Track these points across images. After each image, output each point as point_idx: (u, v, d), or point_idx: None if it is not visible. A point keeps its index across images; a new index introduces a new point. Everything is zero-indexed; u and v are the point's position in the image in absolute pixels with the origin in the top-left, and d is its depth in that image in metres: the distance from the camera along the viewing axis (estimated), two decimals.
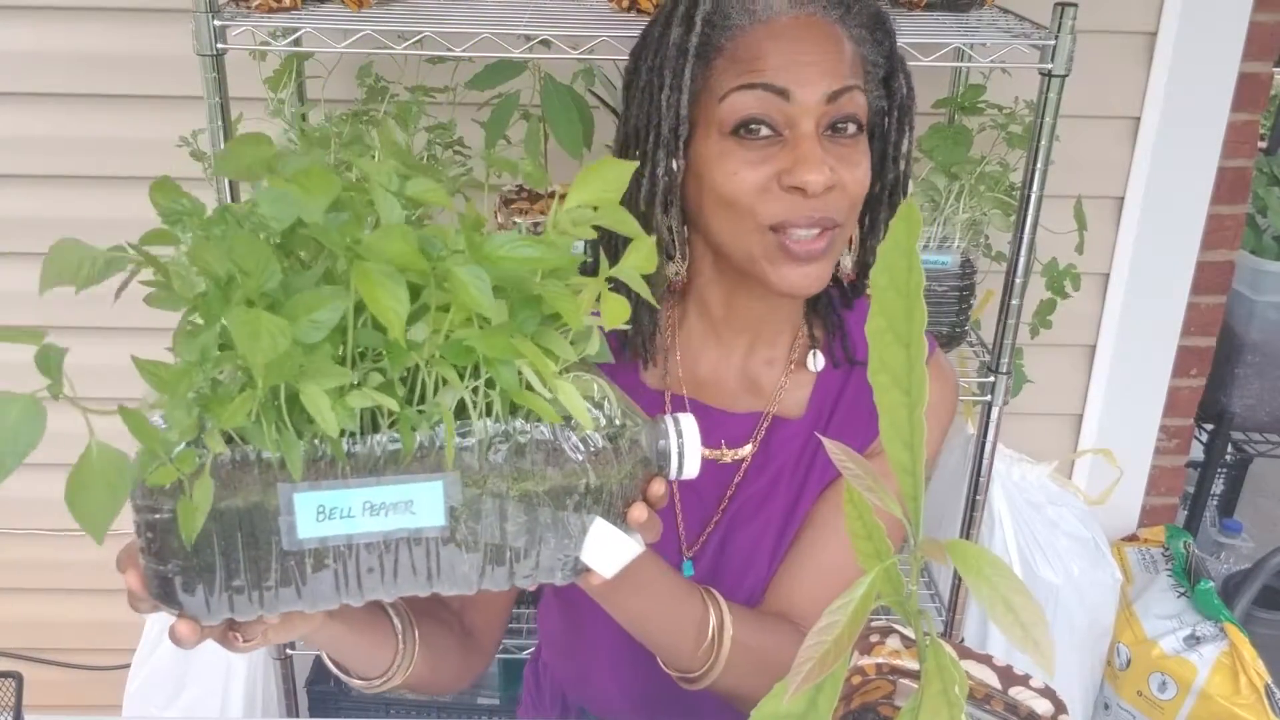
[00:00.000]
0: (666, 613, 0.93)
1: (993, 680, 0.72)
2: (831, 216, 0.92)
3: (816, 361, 1.07)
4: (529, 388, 0.68)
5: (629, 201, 0.97)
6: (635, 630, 0.95)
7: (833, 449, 0.59)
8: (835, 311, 1.08)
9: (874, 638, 0.74)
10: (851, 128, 0.93)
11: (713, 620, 0.95)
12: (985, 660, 0.74)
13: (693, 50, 0.92)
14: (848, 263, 1.04)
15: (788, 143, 0.91)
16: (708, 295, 1.04)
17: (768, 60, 0.91)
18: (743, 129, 0.92)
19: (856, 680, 0.73)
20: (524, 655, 1.67)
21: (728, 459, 1.05)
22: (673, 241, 0.99)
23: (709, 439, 1.03)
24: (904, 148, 1.00)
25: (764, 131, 0.91)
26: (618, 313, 0.71)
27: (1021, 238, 1.39)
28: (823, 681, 0.56)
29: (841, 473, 0.69)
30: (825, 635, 0.54)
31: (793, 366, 1.07)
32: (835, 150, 0.92)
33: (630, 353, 1.03)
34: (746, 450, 1.05)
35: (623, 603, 0.92)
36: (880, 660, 0.73)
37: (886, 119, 0.99)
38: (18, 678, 1.21)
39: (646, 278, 0.85)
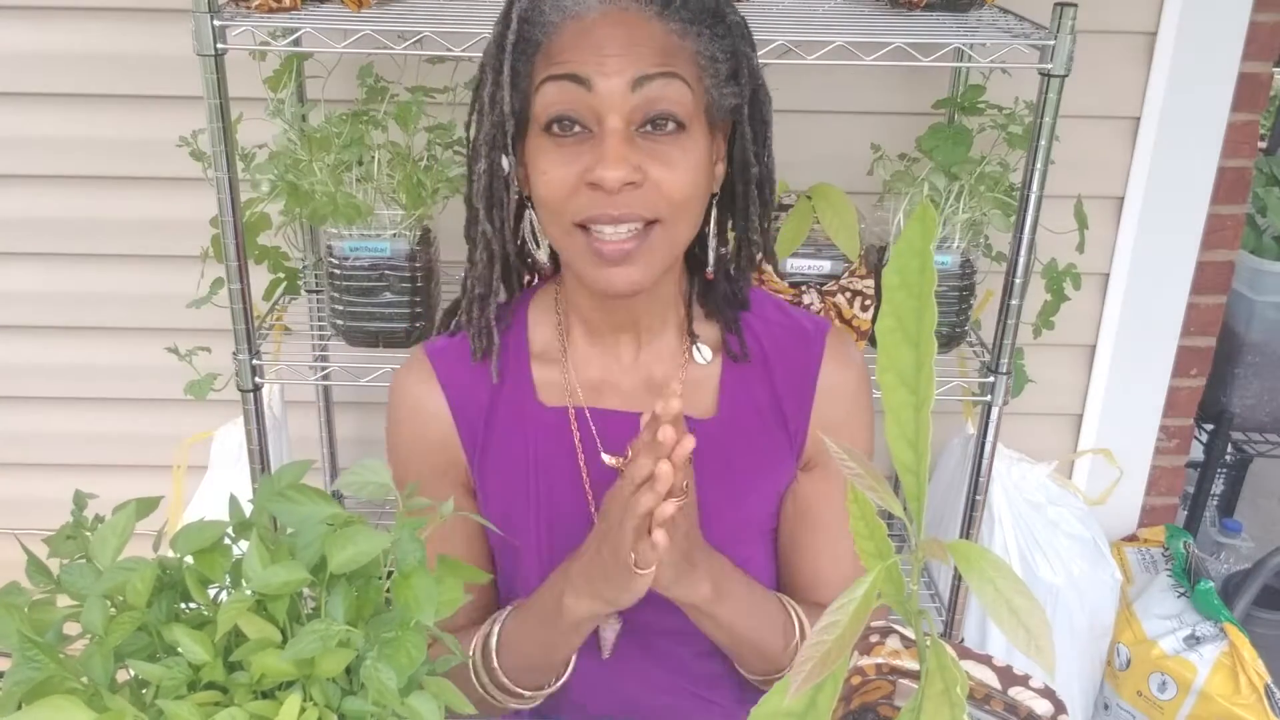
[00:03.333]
0: (761, 620, 1.00)
1: (992, 680, 0.72)
2: (637, 213, 0.91)
3: (702, 354, 1.06)
4: None
5: (466, 198, 1.00)
6: (733, 641, 1.01)
7: (835, 449, 0.59)
8: (726, 306, 1.06)
9: (874, 638, 0.74)
10: (670, 125, 0.91)
11: (793, 617, 1.02)
12: (985, 660, 0.74)
13: (509, 46, 0.91)
14: (709, 257, 1.03)
15: (596, 139, 0.90)
16: (576, 298, 1.04)
17: (573, 52, 0.90)
18: (555, 125, 0.91)
19: (856, 680, 0.73)
20: None
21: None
22: (504, 237, 0.99)
23: (614, 445, 1.03)
24: (759, 144, 0.99)
25: (576, 129, 0.91)
26: None
27: (1021, 238, 1.39)
28: (823, 681, 0.56)
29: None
30: (826, 635, 0.54)
31: (686, 359, 1.06)
32: (649, 148, 0.90)
33: (475, 351, 1.03)
34: None
35: (726, 618, 0.98)
36: (880, 660, 0.73)
37: (740, 116, 0.97)
38: None
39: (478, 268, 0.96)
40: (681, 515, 0.89)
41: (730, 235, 1.05)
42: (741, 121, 0.97)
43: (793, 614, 1.04)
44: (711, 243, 1.02)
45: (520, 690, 1.01)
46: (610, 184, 0.88)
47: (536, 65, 0.93)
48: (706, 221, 1.01)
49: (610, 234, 0.91)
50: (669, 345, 1.06)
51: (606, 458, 1.02)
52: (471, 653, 1.01)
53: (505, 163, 0.96)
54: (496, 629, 1.02)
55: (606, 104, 0.89)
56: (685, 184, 0.92)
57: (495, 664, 1.00)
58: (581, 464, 1.04)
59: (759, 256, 1.05)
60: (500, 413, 1.05)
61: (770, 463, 1.07)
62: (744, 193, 1.00)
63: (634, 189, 0.90)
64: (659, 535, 0.85)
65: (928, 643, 0.56)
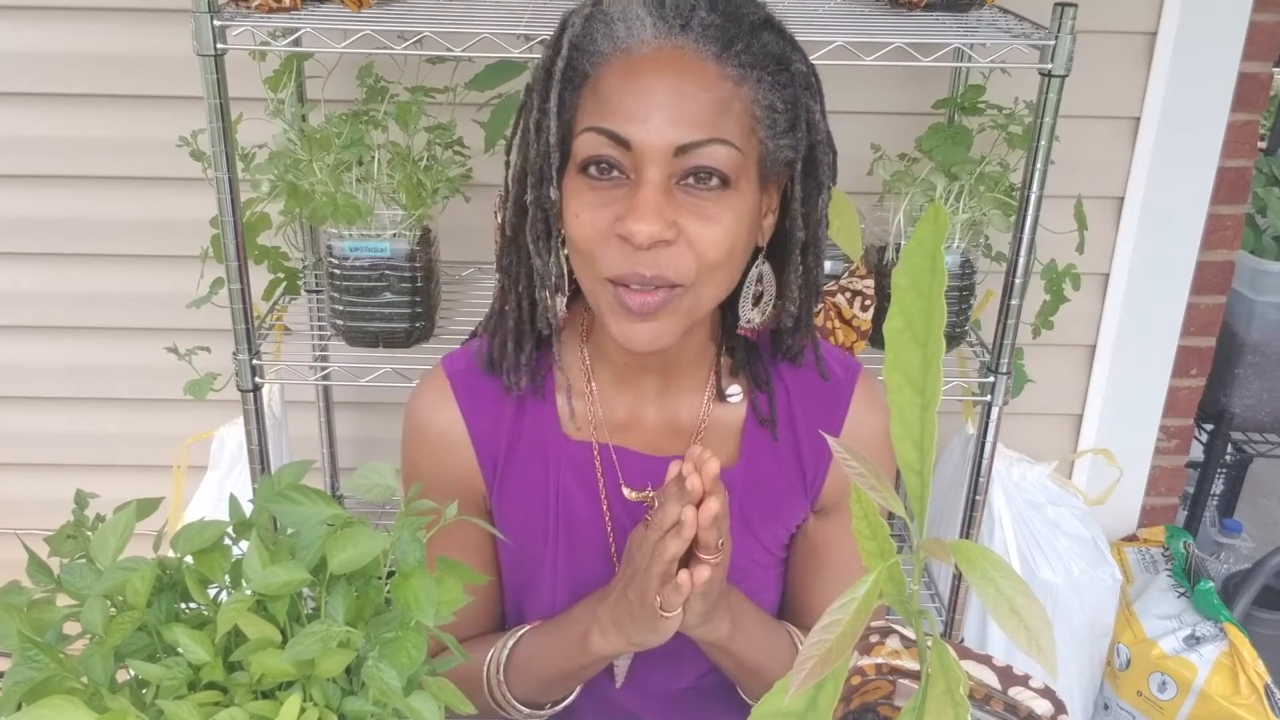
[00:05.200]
0: (771, 651, 0.99)
1: (992, 680, 0.72)
2: (665, 276, 0.85)
3: (732, 396, 1.02)
4: None
5: (510, 231, 0.94)
6: (742, 672, 1.01)
7: (836, 446, 0.59)
8: (763, 365, 1.02)
9: (874, 638, 0.74)
10: (714, 180, 0.85)
11: (796, 642, 1.02)
12: (985, 660, 0.74)
13: (558, 75, 0.85)
14: (755, 316, 0.97)
15: (632, 186, 0.85)
16: (604, 339, 1.00)
17: (618, 102, 0.83)
18: (591, 166, 0.86)
19: (856, 680, 0.73)
20: None
21: (652, 501, 1.00)
22: (551, 273, 0.93)
23: (635, 482, 1.02)
24: (809, 206, 0.92)
25: (614, 172, 0.85)
26: None
27: (1021, 238, 1.39)
28: (824, 680, 0.56)
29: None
30: (827, 634, 0.54)
31: (711, 405, 1.02)
32: (688, 201, 0.85)
33: (509, 387, 0.99)
34: None
35: (740, 652, 0.98)
36: (880, 660, 0.73)
37: (793, 172, 0.91)
38: None
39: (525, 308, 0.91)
40: (716, 569, 0.88)
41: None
42: (794, 179, 0.91)
43: (798, 644, 1.05)
44: (745, 300, 0.96)
45: (521, 708, 1.02)
46: (640, 239, 0.83)
47: (583, 100, 0.87)
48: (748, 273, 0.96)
49: (638, 288, 0.87)
50: (696, 389, 1.03)
51: (628, 492, 1.02)
52: (486, 665, 1.02)
53: (553, 193, 0.89)
54: (510, 645, 1.02)
55: (646, 159, 0.84)
56: (722, 243, 0.86)
57: (503, 678, 1.01)
58: (603, 498, 1.03)
59: (796, 323, 0.99)
60: (522, 440, 1.03)
61: (784, 508, 1.06)
62: (786, 255, 0.94)
63: (665, 246, 0.85)
64: (684, 578, 0.85)
65: (929, 643, 0.56)
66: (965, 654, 0.74)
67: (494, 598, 1.11)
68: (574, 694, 1.04)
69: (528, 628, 1.04)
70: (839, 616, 0.54)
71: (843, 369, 1.05)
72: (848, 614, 0.54)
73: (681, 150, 0.83)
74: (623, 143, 0.84)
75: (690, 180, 0.85)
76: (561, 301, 0.95)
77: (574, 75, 0.86)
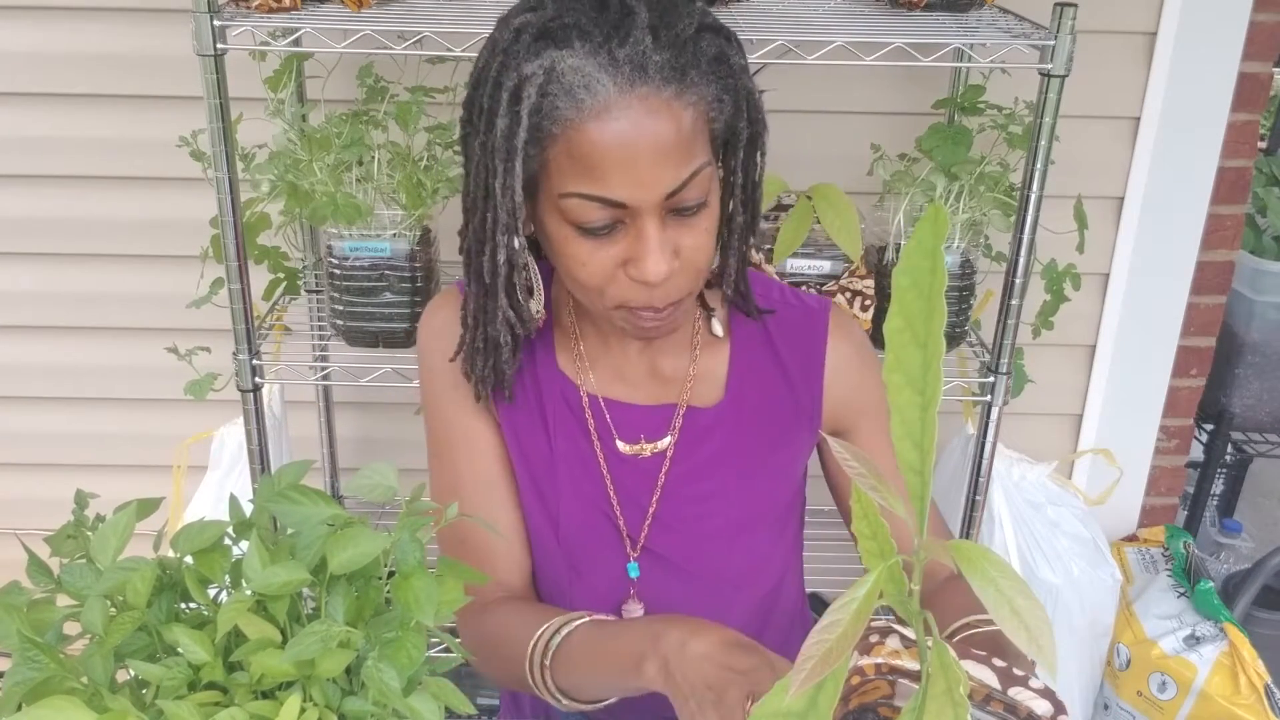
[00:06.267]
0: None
1: (992, 681, 0.72)
2: (674, 297, 0.93)
3: (715, 329, 1.08)
4: None
5: (470, 260, 0.97)
6: (600, 695, 0.97)
7: (838, 448, 0.59)
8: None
9: (874, 638, 0.74)
10: (697, 205, 0.90)
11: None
12: (984, 660, 0.74)
13: (520, 146, 0.86)
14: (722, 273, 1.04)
15: (629, 229, 0.89)
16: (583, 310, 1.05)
17: (601, 168, 0.85)
18: (585, 225, 0.89)
19: (855, 680, 0.73)
20: None
21: (648, 452, 1.06)
22: (528, 316, 0.99)
23: (628, 435, 1.07)
24: (751, 170, 0.97)
25: (608, 226, 0.89)
26: None
27: (1021, 238, 1.39)
28: (824, 680, 0.56)
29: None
30: (827, 634, 0.53)
31: (697, 351, 1.07)
32: (678, 224, 0.90)
33: (481, 397, 1.04)
34: (666, 442, 1.06)
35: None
36: (880, 660, 0.73)
37: (738, 142, 0.95)
38: None
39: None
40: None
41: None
42: (741, 147, 0.95)
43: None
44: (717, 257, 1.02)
45: (560, 697, 1.00)
46: (658, 278, 0.89)
47: (554, 159, 0.87)
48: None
49: (653, 315, 0.93)
50: (682, 341, 1.07)
51: (621, 445, 1.06)
52: (532, 644, 0.99)
53: (517, 244, 0.93)
54: (564, 634, 0.99)
55: (641, 210, 0.88)
56: (709, 246, 0.93)
57: (549, 664, 0.98)
58: (598, 450, 1.07)
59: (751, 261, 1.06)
60: (523, 367, 1.07)
61: (781, 438, 1.08)
62: (733, 217, 1.00)
63: (671, 277, 0.91)
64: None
65: (929, 643, 0.56)
66: (965, 654, 0.74)
67: (525, 536, 1.10)
68: (614, 699, 1.01)
69: (584, 619, 0.99)
70: (839, 616, 0.54)
71: (816, 302, 1.11)
72: (848, 614, 0.54)
73: (671, 194, 0.87)
74: (617, 205, 0.87)
75: (681, 207, 0.89)
76: (537, 302, 1.00)
77: (538, 135, 0.87)
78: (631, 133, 0.84)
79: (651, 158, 0.85)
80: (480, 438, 1.09)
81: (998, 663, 0.73)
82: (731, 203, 0.99)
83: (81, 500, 0.73)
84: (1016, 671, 0.72)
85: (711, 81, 0.88)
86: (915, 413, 0.55)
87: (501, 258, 0.93)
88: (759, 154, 0.96)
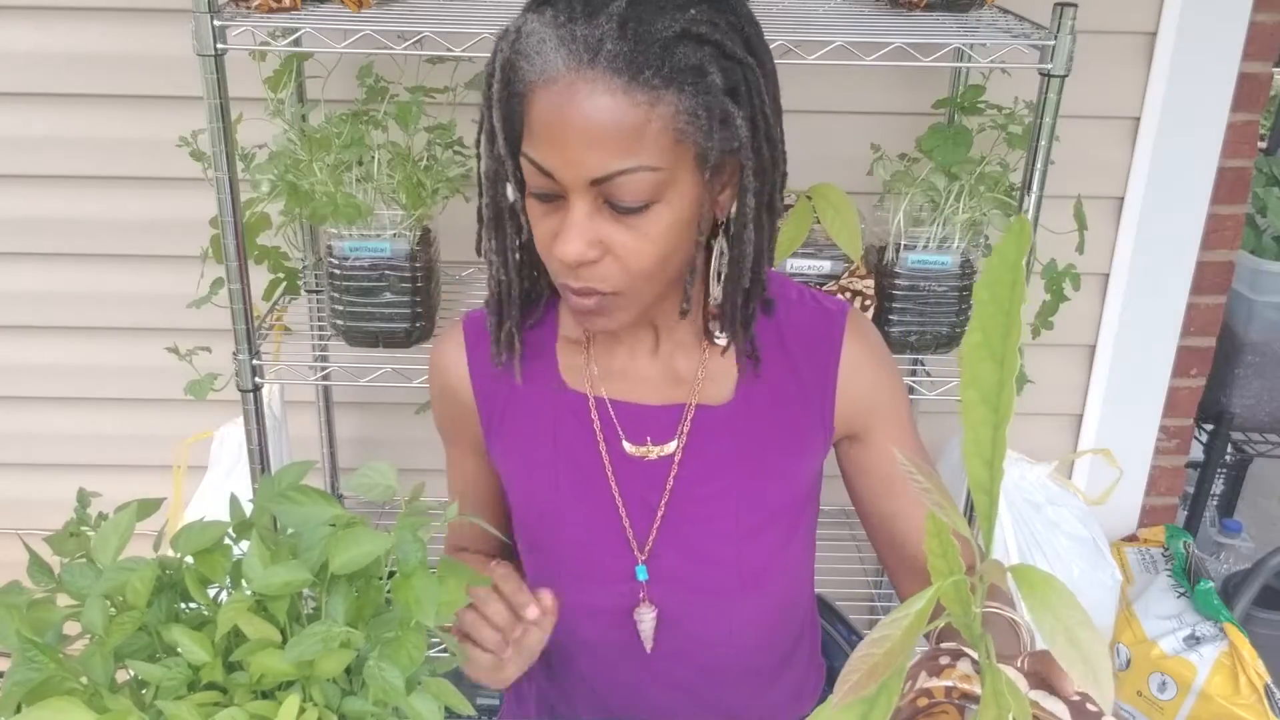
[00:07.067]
0: None
1: (1063, 714, 0.68)
2: (594, 288, 0.91)
3: (722, 340, 1.05)
4: None
5: (483, 221, 1.00)
6: None
7: (905, 464, 0.58)
8: (736, 316, 1.03)
9: (944, 659, 0.71)
10: (637, 202, 0.88)
11: None
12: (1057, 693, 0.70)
13: (496, 97, 0.89)
14: (717, 291, 1.00)
15: (565, 204, 0.89)
16: None
17: (542, 133, 0.87)
18: (533, 188, 0.91)
19: (923, 702, 0.70)
20: None
21: (654, 455, 1.05)
22: (510, 262, 0.99)
23: (635, 436, 1.06)
24: (762, 186, 0.94)
25: (551, 195, 0.90)
26: None
27: None
28: (877, 697, 0.55)
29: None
30: (875, 648, 0.52)
31: (707, 352, 1.06)
32: (614, 218, 0.88)
33: (495, 360, 1.04)
34: (672, 446, 1.05)
35: None
36: (949, 683, 0.70)
37: (729, 173, 0.92)
38: None
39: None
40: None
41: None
42: (744, 164, 0.92)
43: None
44: (713, 277, 0.99)
45: None
46: (568, 260, 0.89)
47: (526, 116, 0.90)
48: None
49: (579, 300, 0.93)
50: (692, 339, 1.06)
51: (628, 446, 1.05)
52: None
53: (510, 192, 0.95)
54: None
55: (568, 188, 0.88)
56: (650, 254, 0.90)
57: None
58: (603, 452, 1.06)
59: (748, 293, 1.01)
60: (524, 390, 1.08)
61: (792, 440, 1.07)
62: (739, 230, 0.96)
63: (591, 264, 0.90)
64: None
65: (988, 664, 0.55)
66: (1038, 682, 0.70)
67: (497, 523, 1.17)
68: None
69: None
70: (889, 632, 0.53)
71: (833, 304, 1.10)
72: (899, 629, 0.53)
73: (596, 182, 0.86)
74: (547, 173, 0.88)
75: (614, 202, 0.88)
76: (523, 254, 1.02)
77: (511, 95, 0.89)
78: (568, 109, 0.85)
79: (581, 139, 0.85)
80: (466, 465, 1.16)
81: (1073, 696, 0.70)
82: (721, 234, 0.96)
83: (84, 499, 0.73)
84: (1090, 707, 0.68)
85: (684, 92, 0.86)
86: (988, 431, 0.54)
87: (486, 201, 0.96)
88: (749, 195, 0.92)
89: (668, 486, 1.06)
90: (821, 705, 0.57)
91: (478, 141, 0.97)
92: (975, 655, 0.71)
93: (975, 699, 0.70)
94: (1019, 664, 0.71)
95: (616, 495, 1.06)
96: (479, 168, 0.97)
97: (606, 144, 0.85)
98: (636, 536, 1.07)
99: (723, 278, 0.99)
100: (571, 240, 0.88)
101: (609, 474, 1.06)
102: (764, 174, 0.94)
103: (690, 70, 0.86)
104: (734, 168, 0.94)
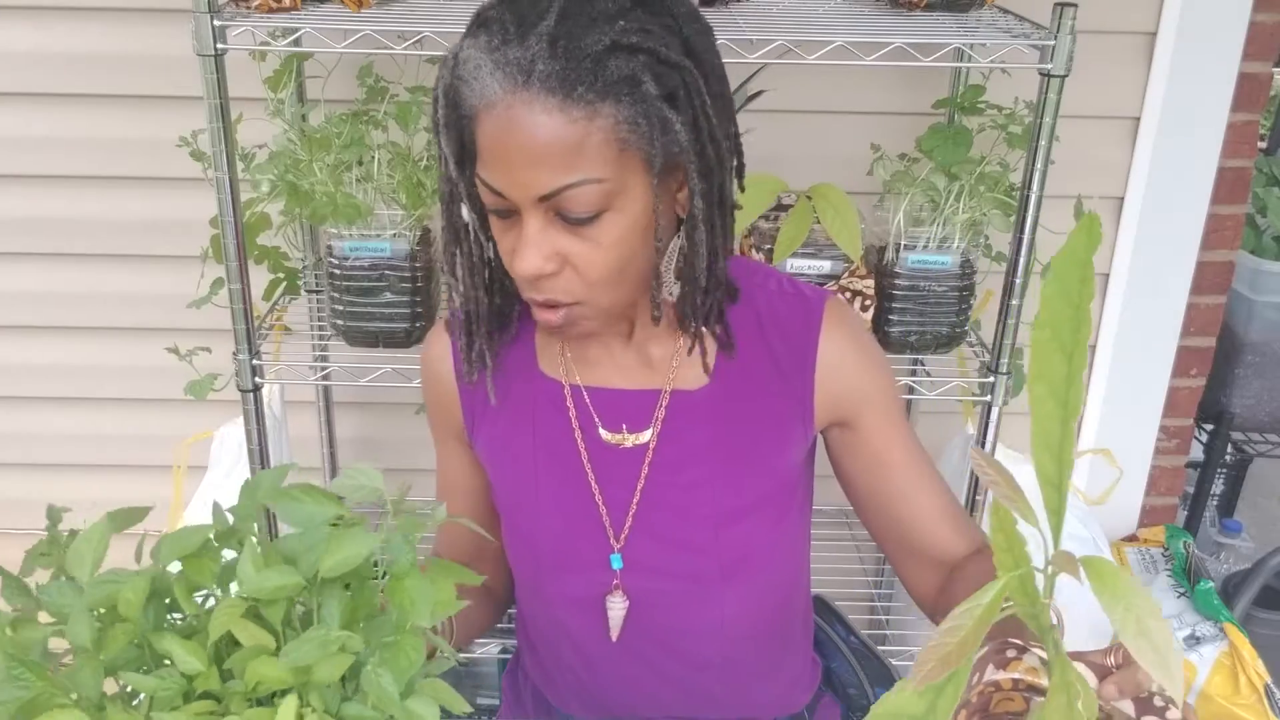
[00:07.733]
0: None
1: (1128, 709, 0.69)
2: (556, 299, 0.93)
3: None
4: None
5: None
6: None
7: (975, 457, 0.59)
8: (703, 311, 1.03)
9: (1010, 653, 0.71)
10: (586, 213, 0.89)
11: None
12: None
13: (442, 122, 0.91)
14: (675, 288, 1.00)
15: (520, 220, 0.91)
16: None
17: (489, 154, 0.89)
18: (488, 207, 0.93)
19: (994, 695, 0.71)
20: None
21: (629, 443, 1.06)
22: (481, 280, 1.01)
23: (609, 423, 1.07)
24: (699, 202, 0.94)
25: (507, 212, 0.92)
26: None
27: (1021, 238, 1.39)
28: (944, 685, 0.55)
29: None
30: (949, 637, 0.53)
31: (681, 338, 1.06)
32: (567, 230, 0.90)
33: (466, 377, 1.06)
34: (647, 435, 1.06)
35: None
36: (1017, 676, 0.70)
37: (687, 159, 0.92)
38: None
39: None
40: None
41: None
42: (690, 165, 0.92)
43: None
44: (668, 274, 0.99)
45: None
46: (521, 274, 0.91)
47: (475, 137, 0.91)
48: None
49: (542, 311, 0.95)
50: (667, 327, 1.06)
51: (604, 434, 1.06)
52: None
53: (465, 213, 0.97)
54: None
55: (520, 205, 0.90)
56: (606, 262, 0.92)
57: None
58: (579, 439, 1.07)
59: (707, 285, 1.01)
60: (505, 378, 1.09)
61: (769, 427, 1.07)
62: (691, 227, 0.96)
63: (550, 276, 0.92)
64: None
65: (1055, 655, 0.55)
66: (1106, 674, 0.70)
67: (484, 521, 1.17)
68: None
69: None
70: (961, 622, 0.54)
71: (812, 292, 1.10)
72: (971, 619, 0.53)
73: (545, 198, 0.88)
74: (498, 193, 0.90)
75: (565, 214, 0.89)
76: (475, 275, 1.02)
77: (460, 119, 0.90)
78: (509, 131, 0.87)
79: (525, 159, 0.87)
80: (455, 463, 1.18)
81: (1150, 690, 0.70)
82: (683, 230, 0.97)
83: (54, 516, 0.72)
84: (1157, 703, 0.69)
85: (621, 102, 0.86)
86: (1056, 425, 0.54)
87: (444, 223, 0.98)
88: (697, 196, 0.93)
89: (643, 472, 1.06)
90: (890, 693, 0.57)
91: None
92: (1041, 652, 0.71)
93: (1041, 691, 0.70)
94: (1108, 658, 0.71)
95: (593, 483, 1.07)
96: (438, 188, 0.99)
97: (549, 161, 0.87)
98: (613, 524, 1.07)
99: (680, 275, 0.99)
100: (528, 255, 0.90)
101: (585, 462, 1.07)
102: (710, 174, 0.94)
103: (624, 81, 0.86)
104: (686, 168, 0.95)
